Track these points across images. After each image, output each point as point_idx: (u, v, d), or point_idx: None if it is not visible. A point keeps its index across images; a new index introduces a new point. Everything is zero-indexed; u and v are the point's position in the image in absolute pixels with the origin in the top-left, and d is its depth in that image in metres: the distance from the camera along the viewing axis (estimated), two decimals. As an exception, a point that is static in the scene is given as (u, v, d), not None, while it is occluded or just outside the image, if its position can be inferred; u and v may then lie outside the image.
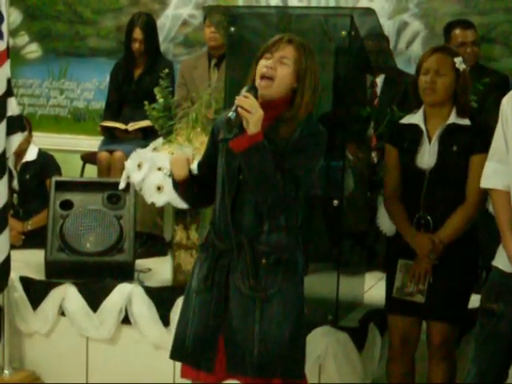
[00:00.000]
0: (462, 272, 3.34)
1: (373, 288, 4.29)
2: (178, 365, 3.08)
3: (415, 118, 3.44)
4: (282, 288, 2.89)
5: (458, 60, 3.36)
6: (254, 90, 2.81)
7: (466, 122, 3.36)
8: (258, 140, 2.74)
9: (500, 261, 3.03)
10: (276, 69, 2.83)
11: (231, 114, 2.75)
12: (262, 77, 2.84)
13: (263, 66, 2.85)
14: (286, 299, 2.91)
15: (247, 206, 2.88)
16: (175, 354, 3.06)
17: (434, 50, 3.42)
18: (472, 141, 3.30)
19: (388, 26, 5.50)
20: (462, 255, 3.36)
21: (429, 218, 3.37)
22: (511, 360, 3.07)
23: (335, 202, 3.67)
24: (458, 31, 4.92)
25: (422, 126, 3.40)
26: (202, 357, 2.94)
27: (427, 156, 3.38)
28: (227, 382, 3.03)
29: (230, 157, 2.88)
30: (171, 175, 3.00)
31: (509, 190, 3.00)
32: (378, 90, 4.98)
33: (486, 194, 3.23)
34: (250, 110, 2.72)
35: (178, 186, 3.00)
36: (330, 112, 3.65)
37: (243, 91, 2.79)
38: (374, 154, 4.29)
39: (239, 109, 2.73)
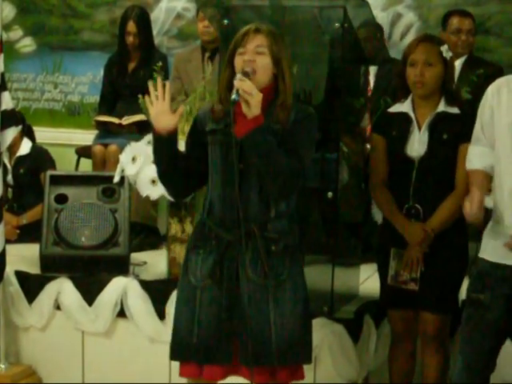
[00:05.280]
0: (452, 261, 3.35)
1: (368, 279, 4.29)
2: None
3: (404, 107, 3.43)
4: (290, 273, 2.94)
5: (444, 48, 3.35)
6: (247, 76, 2.82)
7: (456, 110, 3.36)
8: (261, 121, 2.77)
9: (486, 251, 3.03)
10: (255, 60, 2.85)
11: (235, 96, 2.75)
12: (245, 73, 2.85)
13: (242, 61, 2.86)
14: (296, 283, 2.96)
15: (252, 194, 2.89)
16: (177, 355, 3.01)
17: (419, 40, 3.39)
18: (462, 129, 3.29)
19: (382, 18, 5.49)
20: (451, 244, 3.36)
21: (419, 207, 3.37)
22: (499, 350, 3.07)
23: (330, 194, 3.68)
24: (455, 18, 4.93)
25: (411, 115, 3.39)
26: (220, 350, 2.92)
27: (417, 144, 3.37)
28: (226, 382, 3.02)
29: (226, 147, 2.88)
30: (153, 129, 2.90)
31: (490, 171, 3.00)
32: (372, 79, 4.96)
33: None
34: (250, 92, 2.75)
35: (161, 143, 2.94)
36: (324, 103, 3.65)
37: (238, 77, 2.80)
38: (368, 146, 4.28)
39: (241, 91, 2.74)
